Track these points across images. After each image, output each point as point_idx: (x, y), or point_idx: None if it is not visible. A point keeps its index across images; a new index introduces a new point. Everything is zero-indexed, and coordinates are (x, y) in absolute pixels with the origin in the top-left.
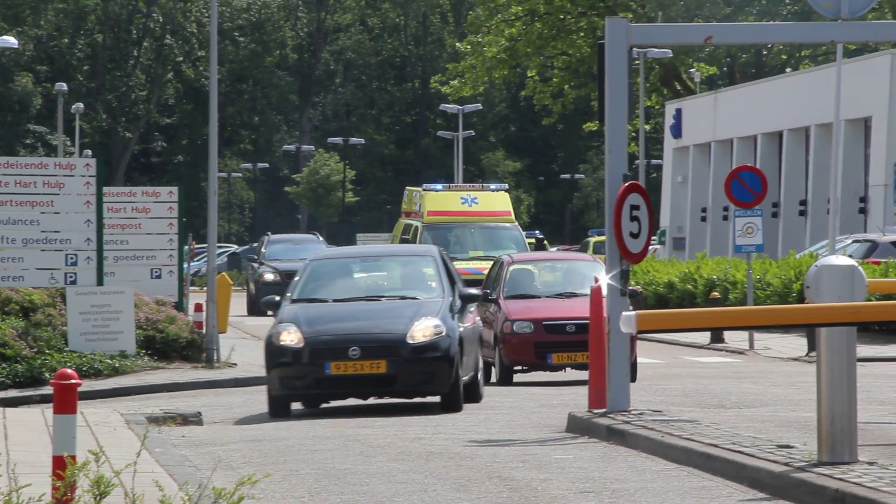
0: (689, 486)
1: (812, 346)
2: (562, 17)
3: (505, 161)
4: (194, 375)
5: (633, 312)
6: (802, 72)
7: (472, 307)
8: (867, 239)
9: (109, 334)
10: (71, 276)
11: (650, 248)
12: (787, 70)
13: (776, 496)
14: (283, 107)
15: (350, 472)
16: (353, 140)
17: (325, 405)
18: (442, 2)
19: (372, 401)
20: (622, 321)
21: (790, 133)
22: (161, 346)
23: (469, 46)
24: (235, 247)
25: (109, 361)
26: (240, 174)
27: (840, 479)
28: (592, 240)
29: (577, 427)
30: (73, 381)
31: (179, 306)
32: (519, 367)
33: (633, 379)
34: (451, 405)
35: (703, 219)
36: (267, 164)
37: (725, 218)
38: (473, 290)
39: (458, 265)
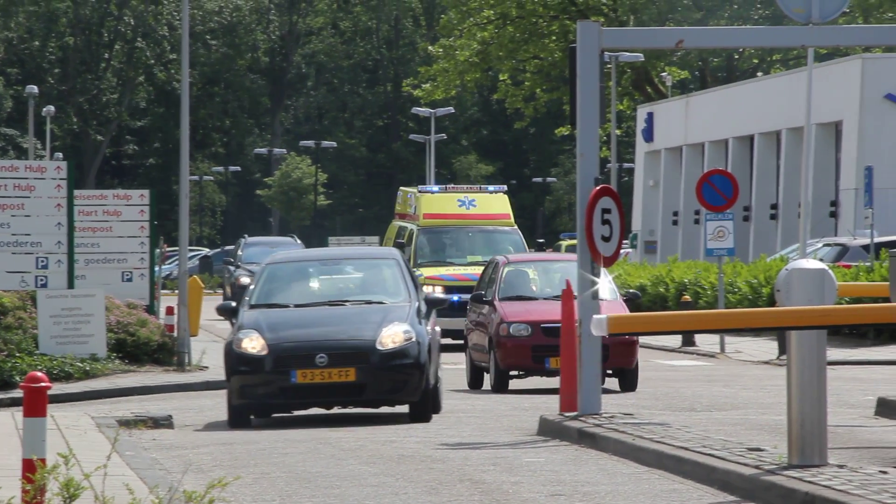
0: (659, 488)
1: (783, 349)
2: (534, 20)
3: (477, 164)
4: (165, 379)
5: (604, 315)
6: (774, 76)
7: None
8: (838, 243)
9: (80, 337)
10: (42, 279)
11: (622, 251)
12: (759, 74)
13: (746, 499)
14: (255, 110)
15: (321, 474)
16: (325, 143)
17: (280, 414)
18: (414, 5)
19: (336, 410)
20: (593, 324)
21: (761, 137)
22: (132, 349)
23: (441, 50)
24: (207, 250)
25: (80, 364)
26: (211, 177)
27: (810, 482)
28: (564, 243)
29: (549, 430)
30: (43, 384)
31: (151, 309)
32: (515, 372)
33: (634, 387)
34: (420, 415)
35: (675, 222)
36: (239, 168)
37: (697, 221)
38: (439, 295)
39: (456, 270)
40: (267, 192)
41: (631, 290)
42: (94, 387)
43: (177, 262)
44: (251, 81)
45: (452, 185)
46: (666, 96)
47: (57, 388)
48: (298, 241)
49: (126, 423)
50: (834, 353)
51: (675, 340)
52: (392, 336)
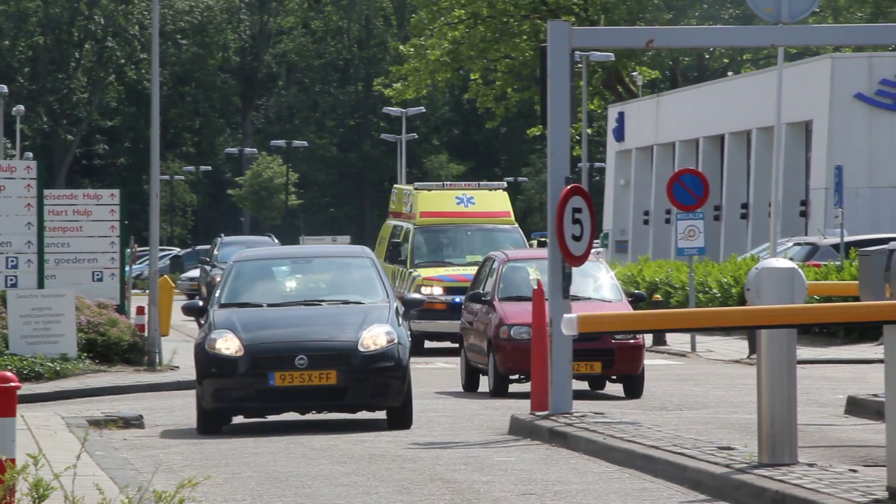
0: (630, 487)
1: (753, 348)
2: (505, 20)
3: (448, 164)
4: (136, 378)
5: (575, 315)
6: (744, 75)
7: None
8: (808, 242)
9: (50, 337)
10: (11, 279)
11: (593, 250)
12: (729, 74)
13: (717, 497)
14: (226, 109)
15: (292, 474)
16: (297, 143)
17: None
18: (385, 5)
19: (309, 416)
20: (563, 323)
21: (732, 136)
22: (103, 349)
23: (412, 49)
24: (178, 249)
25: (50, 364)
26: (182, 177)
27: (780, 481)
28: (535, 242)
29: (520, 429)
30: (12, 384)
31: (121, 309)
32: (515, 377)
33: (639, 394)
34: (400, 421)
35: (646, 222)
36: (210, 167)
37: (668, 221)
38: (417, 295)
39: (455, 271)
40: (238, 191)
41: (636, 291)
42: (64, 387)
43: (147, 262)
44: (222, 81)
45: (450, 182)
46: (637, 96)
47: (27, 388)
48: (276, 241)
49: (96, 423)
50: (804, 352)
51: (646, 339)
52: (373, 338)
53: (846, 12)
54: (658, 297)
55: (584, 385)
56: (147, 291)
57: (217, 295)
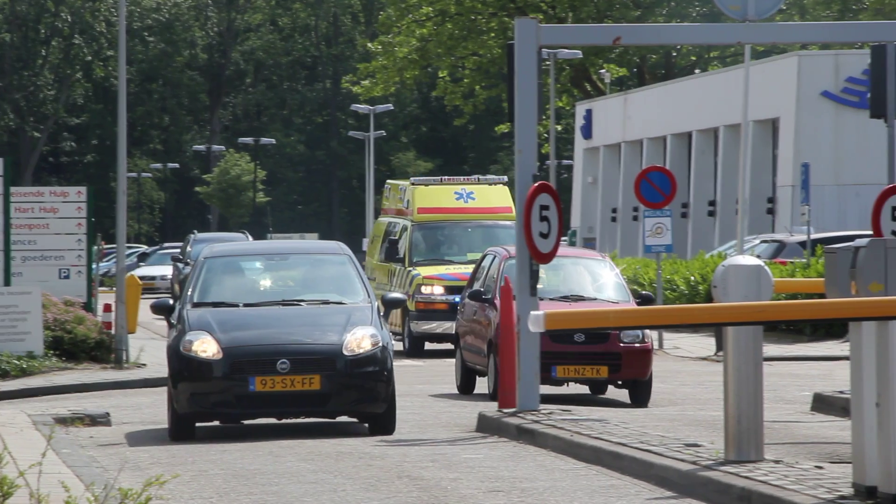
0: (597, 484)
1: (720, 345)
2: (472, 17)
3: (416, 161)
4: (103, 376)
5: (542, 312)
6: (711, 73)
7: None
8: (775, 239)
9: (17, 335)
10: None
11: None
12: (696, 71)
13: (683, 494)
14: (194, 107)
15: (259, 472)
16: (264, 140)
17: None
18: (353, 2)
19: (284, 421)
20: (530, 320)
21: (699, 134)
22: (69, 346)
23: (380, 47)
24: (145, 247)
25: (17, 362)
26: (150, 174)
27: (746, 478)
28: None
29: (487, 426)
30: None
31: (88, 307)
32: None
33: (647, 401)
34: (384, 426)
35: (614, 219)
36: (177, 165)
37: (635, 218)
38: (397, 295)
39: (457, 269)
40: (205, 188)
41: (644, 292)
42: (30, 384)
43: (115, 259)
44: (189, 78)
45: (449, 177)
46: (604, 93)
47: None
48: (249, 238)
49: (63, 421)
50: (771, 349)
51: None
52: (358, 341)
53: (813, 10)
54: None
55: (579, 389)
56: (114, 289)
57: (189, 293)
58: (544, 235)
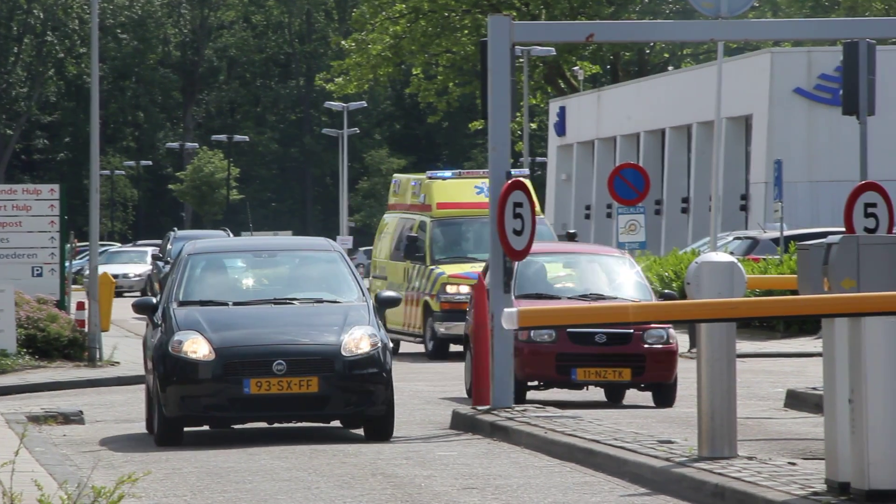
0: (571, 481)
1: (693, 342)
2: (446, 14)
3: (389, 158)
4: (76, 374)
5: (515, 309)
6: (684, 70)
7: None
8: (748, 236)
9: None
10: None
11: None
12: (670, 68)
13: (657, 491)
14: (167, 104)
15: (233, 469)
16: (238, 137)
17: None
18: None
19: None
20: (504, 317)
21: (672, 131)
22: (42, 344)
23: (354, 44)
24: (118, 245)
25: None
26: (123, 172)
27: (720, 474)
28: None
29: (461, 424)
30: None
31: (61, 304)
32: (533, 384)
33: (672, 403)
34: (381, 431)
35: (587, 216)
36: (150, 162)
37: (609, 215)
38: (391, 293)
39: (480, 267)
40: (179, 186)
41: (667, 291)
42: (3, 383)
43: (87, 257)
44: (162, 76)
45: (467, 171)
46: (578, 90)
47: None
48: (231, 235)
49: (36, 419)
50: (744, 346)
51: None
52: (357, 341)
53: (786, 7)
54: None
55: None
56: (81, 285)
57: (174, 291)
58: (518, 233)
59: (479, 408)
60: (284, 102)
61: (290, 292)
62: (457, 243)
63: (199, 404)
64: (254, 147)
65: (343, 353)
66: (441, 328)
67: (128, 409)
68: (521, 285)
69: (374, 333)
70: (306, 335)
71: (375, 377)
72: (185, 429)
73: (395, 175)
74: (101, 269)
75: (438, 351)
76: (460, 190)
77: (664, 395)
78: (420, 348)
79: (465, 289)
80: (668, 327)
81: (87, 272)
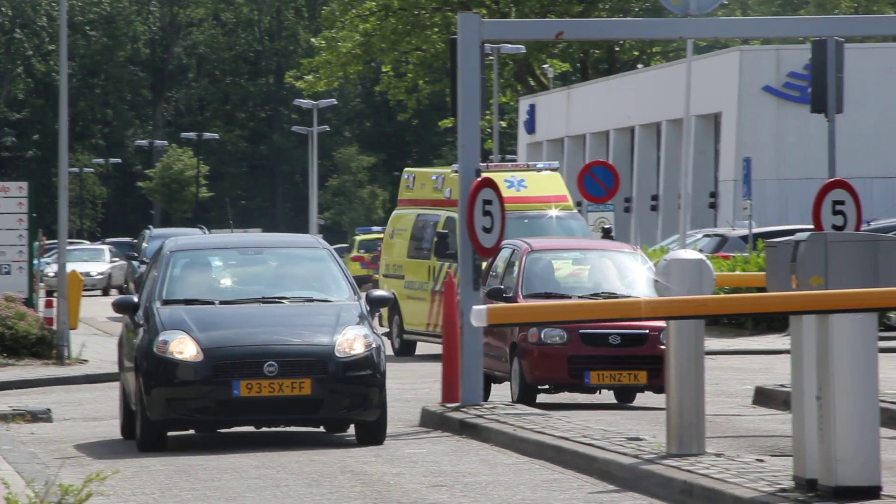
0: (540, 478)
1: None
2: (416, 12)
3: (359, 156)
4: (44, 372)
5: (484, 307)
6: (654, 68)
7: None
8: (717, 234)
9: None
10: None
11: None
12: (639, 66)
13: (626, 488)
14: (136, 102)
15: (202, 467)
16: (207, 135)
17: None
18: None
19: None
20: (472, 315)
21: (642, 128)
22: (10, 342)
23: (323, 41)
24: (87, 242)
25: None
26: (92, 169)
27: (688, 471)
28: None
29: (430, 421)
30: None
31: (29, 302)
32: (544, 387)
33: None
34: (374, 435)
35: None
36: (119, 160)
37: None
38: (382, 292)
39: None
40: (148, 184)
41: None
42: None
43: (53, 256)
44: (131, 73)
45: (495, 164)
46: (548, 88)
47: None
48: (207, 233)
49: (3, 417)
50: (712, 343)
51: None
52: (350, 342)
53: (756, 6)
54: None
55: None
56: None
57: (157, 289)
58: (487, 230)
59: (449, 405)
60: (254, 100)
61: (278, 291)
62: None
63: (186, 407)
64: (223, 145)
65: (337, 355)
66: None
67: (96, 407)
68: (528, 284)
69: (368, 334)
70: (298, 335)
71: (370, 379)
72: (169, 433)
73: (406, 170)
74: (55, 267)
75: None
76: None
77: None
78: (438, 349)
79: None
80: None
81: (48, 271)
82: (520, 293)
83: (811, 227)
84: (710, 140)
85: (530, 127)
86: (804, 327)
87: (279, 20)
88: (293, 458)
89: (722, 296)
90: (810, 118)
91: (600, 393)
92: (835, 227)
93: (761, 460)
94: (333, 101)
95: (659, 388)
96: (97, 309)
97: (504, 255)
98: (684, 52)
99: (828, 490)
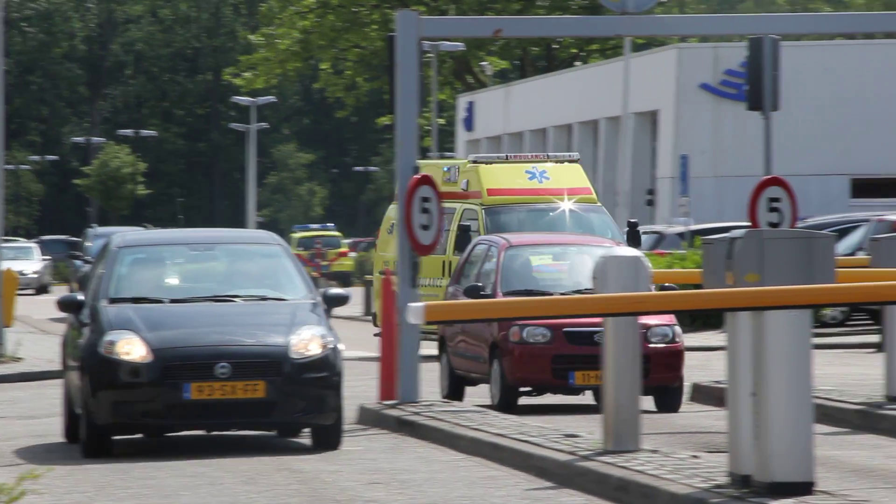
0: (476, 475)
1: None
2: (354, 9)
3: (298, 153)
4: None
5: (422, 303)
6: (592, 66)
7: None
8: (654, 231)
9: None
10: None
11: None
12: (577, 64)
13: (562, 484)
14: (73, 98)
15: (137, 465)
16: (145, 132)
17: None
18: None
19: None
20: (409, 312)
21: (580, 126)
22: None
23: (262, 38)
24: (23, 240)
25: None
26: (28, 166)
27: (623, 467)
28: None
29: (368, 419)
30: None
31: None
32: (526, 388)
33: (677, 408)
34: (330, 440)
35: None
36: (56, 157)
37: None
38: (339, 291)
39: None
40: (85, 181)
41: (667, 284)
42: None
43: None
44: (68, 70)
45: (515, 154)
46: (486, 85)
47: None
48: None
49: None
50: None
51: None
52: (306, 342)
53: (693, 4)
54: None
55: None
56: None
57: (103, 286)
58: (425, 227)
59: (386, 402)
60: (192, 97)
61: (230, 289)
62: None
63: (134, 411)
64: (161, 142)
65: (291, 356)
66: None
67: (32, 406)
68: (506, 281)
69: (325, 334)
70: (251, 335)
71: (326, 381)
72: (115, 437)
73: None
74: None
75: None
76: (511, 175)
77: (668, 400)
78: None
79: None
80: (674, 324)
81: None
82: (499, 290)
83: (748, 224)
84: (647, 137)
85: (469, 124)
86: (739, 324)
87: (217, 17)
88: (229, 455)
89: (658, 293)
90: (747, 116)
91: (584, 394)
92: (770, 224)
93: (697, 456)
94: (272, 98)
95: (645, 389)
96: (32, 307)
97: (478, 250)
98: (622, 50)
99: (763, 486)
